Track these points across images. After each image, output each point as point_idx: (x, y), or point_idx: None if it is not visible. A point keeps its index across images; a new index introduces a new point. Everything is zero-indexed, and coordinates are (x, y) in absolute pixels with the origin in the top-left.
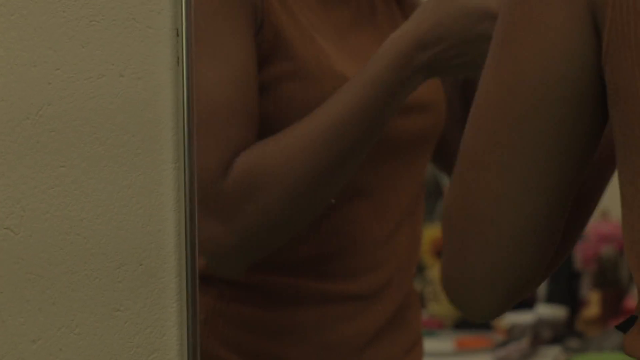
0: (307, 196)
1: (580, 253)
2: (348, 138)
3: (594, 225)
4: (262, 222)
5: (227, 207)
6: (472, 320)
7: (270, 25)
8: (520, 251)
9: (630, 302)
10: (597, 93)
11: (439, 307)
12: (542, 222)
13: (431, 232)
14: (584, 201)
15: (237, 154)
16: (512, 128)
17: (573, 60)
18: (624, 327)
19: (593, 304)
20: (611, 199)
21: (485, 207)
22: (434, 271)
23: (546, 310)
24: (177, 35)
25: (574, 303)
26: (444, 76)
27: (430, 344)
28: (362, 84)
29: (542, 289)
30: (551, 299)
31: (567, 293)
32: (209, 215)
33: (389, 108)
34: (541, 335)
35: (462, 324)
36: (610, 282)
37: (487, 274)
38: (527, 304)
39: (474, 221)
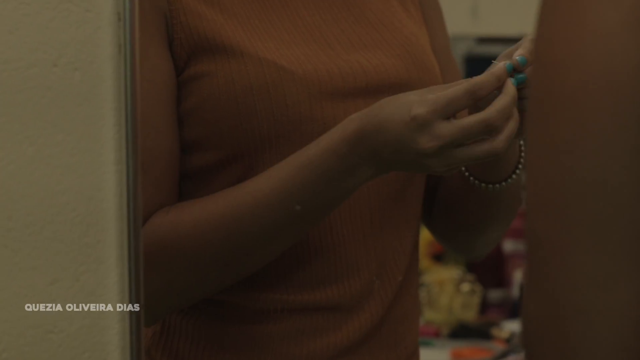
0: (216, 273)
1: None
2: (273, 219)
3: None
4: (166, 289)
5: None
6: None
7: (181, 26)
8: None
9: None
10: None
11: (435, 313)
12: None
13: (427, 234)
14: None
15: (150, 212)
16: (593, 194)
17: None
18: None
19: None
20: None
21: (590, 299)
22: (430, 275)
23: None
24: (119, 20)
25: None
26: (394, 170)
27: (425, 354)
28: (297, 165)
29: None
30: None
31: None
32: None
33: (327, 195)
34: None
35: (459, 333)
36: None
37: None
38: None
39: (575, 321)
